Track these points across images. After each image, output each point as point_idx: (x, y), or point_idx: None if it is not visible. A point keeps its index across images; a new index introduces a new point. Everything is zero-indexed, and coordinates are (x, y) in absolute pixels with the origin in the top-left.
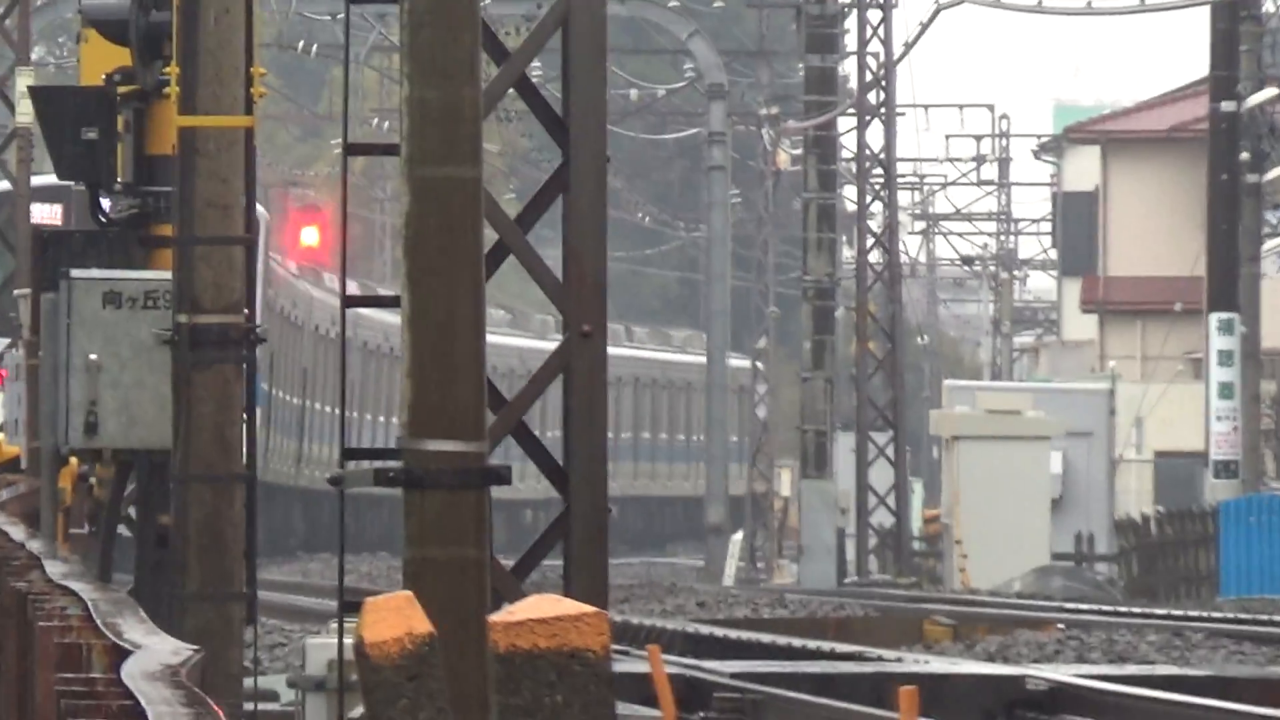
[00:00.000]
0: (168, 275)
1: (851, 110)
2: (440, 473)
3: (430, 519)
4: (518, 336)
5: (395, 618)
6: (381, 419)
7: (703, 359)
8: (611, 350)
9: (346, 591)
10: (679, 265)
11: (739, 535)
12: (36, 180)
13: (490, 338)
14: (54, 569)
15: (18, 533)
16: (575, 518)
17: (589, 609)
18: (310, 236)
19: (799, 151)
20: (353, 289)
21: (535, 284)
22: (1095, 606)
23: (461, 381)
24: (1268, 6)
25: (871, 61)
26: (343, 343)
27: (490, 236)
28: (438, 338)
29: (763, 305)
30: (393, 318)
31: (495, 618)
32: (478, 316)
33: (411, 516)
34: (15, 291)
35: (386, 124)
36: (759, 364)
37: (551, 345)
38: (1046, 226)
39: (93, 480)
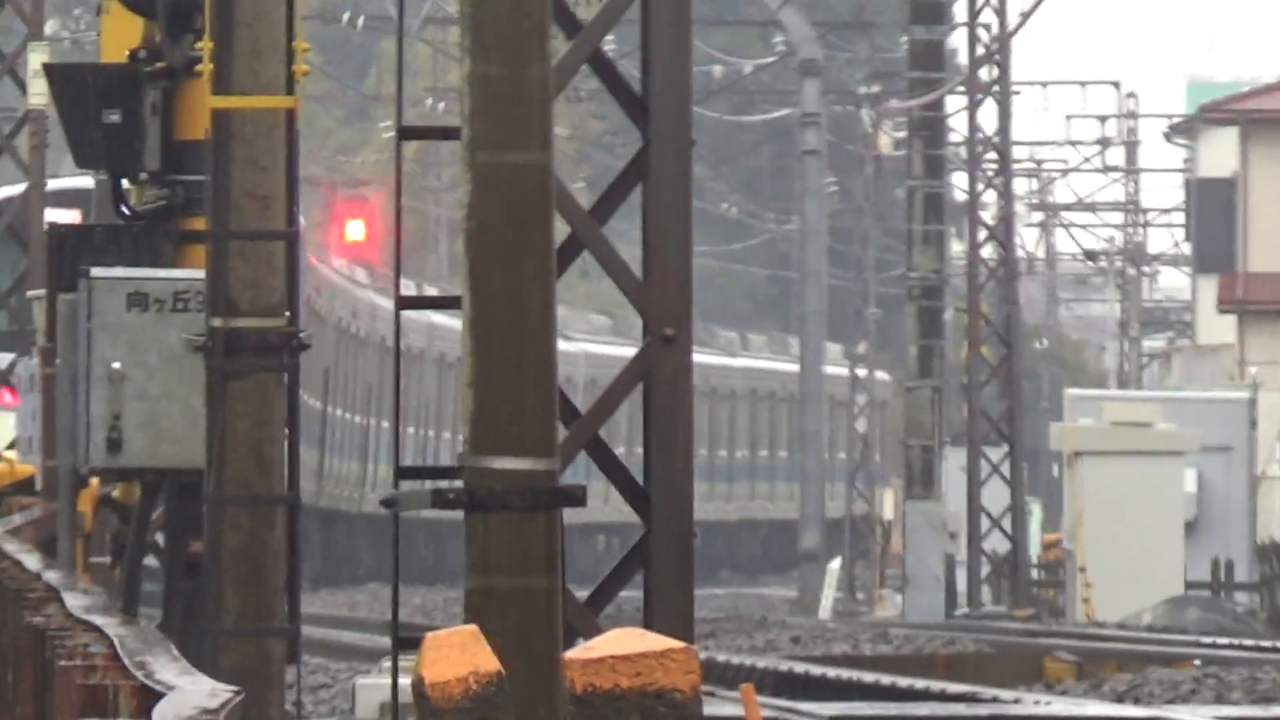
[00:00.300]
0: (200, 274)
1: (961, 88)
2: (506, 493)
3: (495, 545)
4: (622, 344)
5: (459, 655)
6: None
7: (795, 366)
8: (694, 357)
9: (402, 626)
10: (768, 262)
11: (836, 563)
12: (53, 184)
13: (588, 346)
14: (74, 602)
15: (33, 562)
16: (657, 543)
17: (676, 644)
18: (356, 230)
19: (903, 134)
20: (409, 291)
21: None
22: (1235, 641)
23: (530, 391)
24: None
25: (983, 34)
26: (396, 347)
27: (561, 230)
28: (503, 342)
29: (862, 306)
30: (577, 347)
31: (571, 654)
32: (547, 318)
33: (474, 542)
34: (29, 293)
35: (441, 105)
36: (858, 372)
37: None
38: (1179, 217)
39: (114, 495)
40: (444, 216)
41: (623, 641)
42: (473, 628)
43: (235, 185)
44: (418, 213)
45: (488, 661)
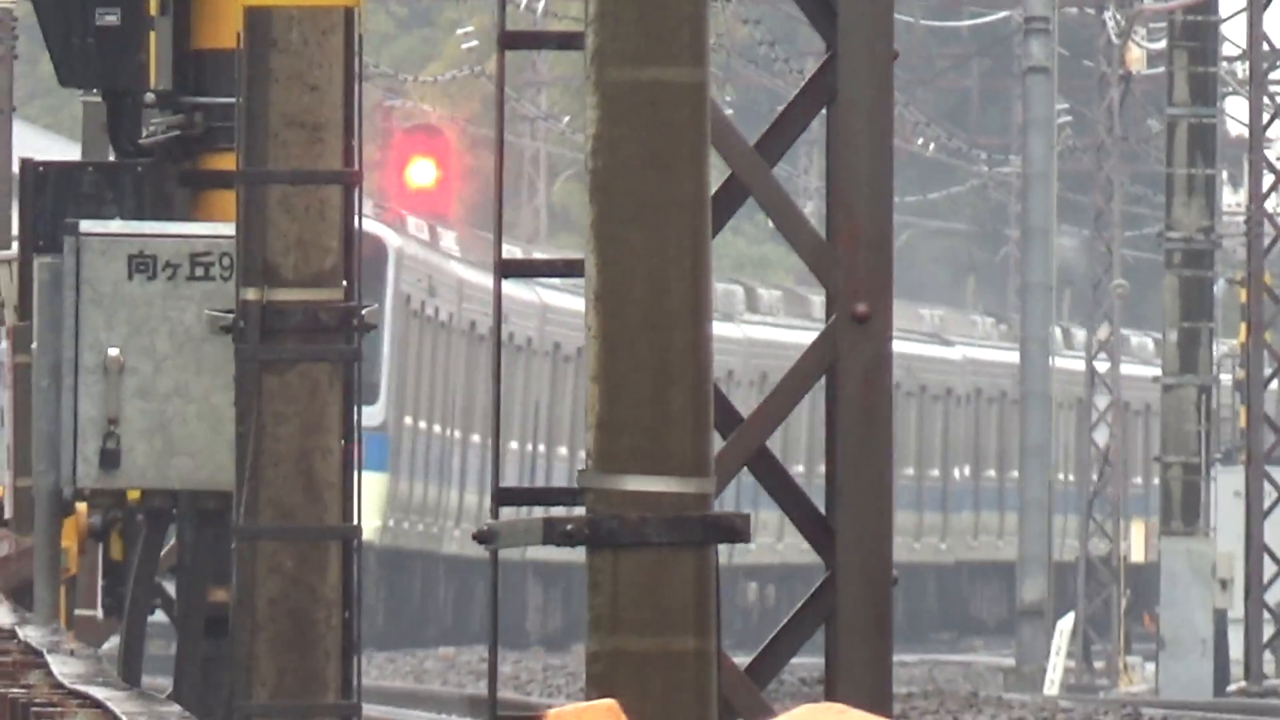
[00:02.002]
0: (227, 229)
1: None
2: (643, 524)
3: (628, 593)
4: (798, 327)
5: None
6: (582, 454)
7: (1013, 356)
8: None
9: (501, 704)
10: (977, 216)
11: (1068, 621)
12: None
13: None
14: (62, 667)
15: (3, 615)
16: (845, 591)
17: None
18: (423, 174)
19: (1160, 45)
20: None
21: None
22: None
23: (676, 389)
24: None
25: None
26: (497, 329)
27: (717, 172)
28: (639, 323)
29: (1104, 276)
30: (739, 330)
31: None
32: (700, 290)
33: (600, 590)
34: None
35: (541, 2)
36: (1098, 365)
37: None
38: None
39: (108, 526)
40: (543, 154)
41: None
42: (610, 703)
43: (275, 110)
44: (508, 149)
45: None
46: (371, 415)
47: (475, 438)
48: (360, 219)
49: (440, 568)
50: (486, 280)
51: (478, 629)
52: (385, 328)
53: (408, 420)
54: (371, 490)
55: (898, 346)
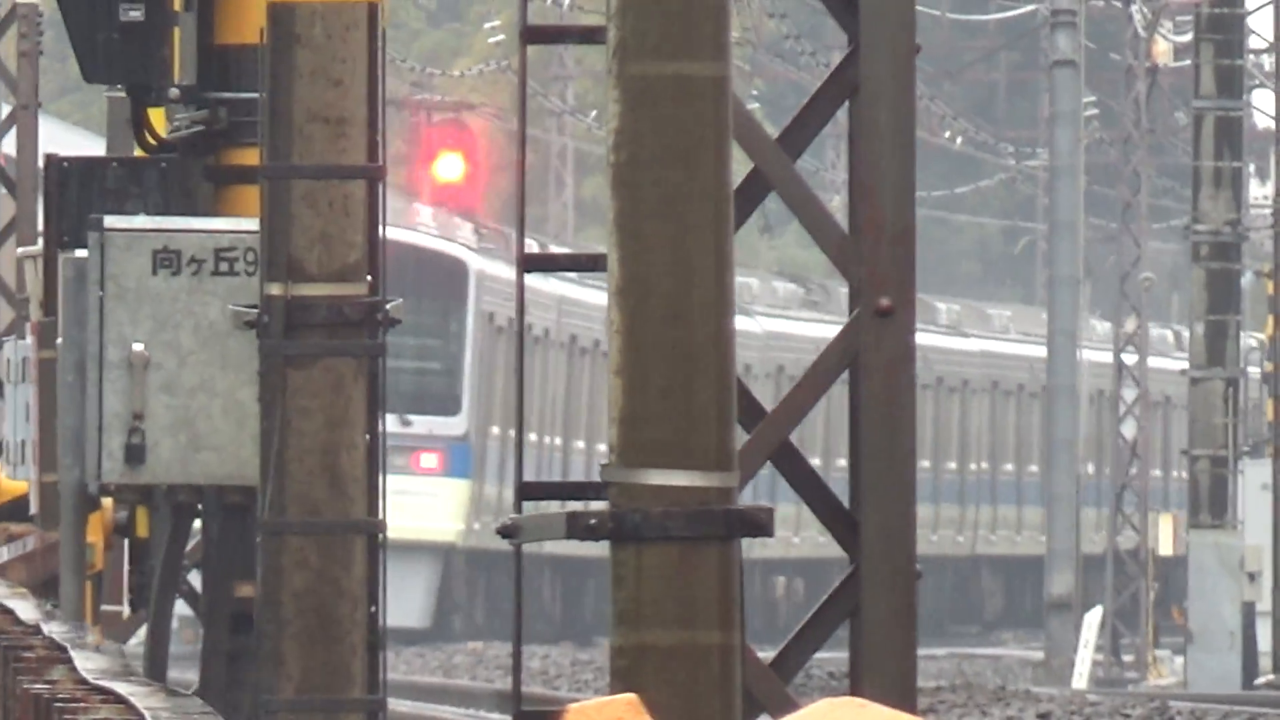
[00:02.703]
0: (251, 224)
1: None
2: (667, 518)
3: (652, 587)
4: (819, 321)
5: None
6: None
7: (1040, 350)
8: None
9: (525, 699)
10: (1004, 209)
11: (1096, 614)
12: None
13: (774, 323)
14: (87, 663)
15: (28, 610)
16: (869, 584)
17: (910, 719)
18: (451, 168)
19: (1187, 38)
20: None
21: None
22: None
23: (699, 382)
24: None
25: None
26: (520, 321)
27: (739, 166)
28: (663, 316)
29: (1131, 269)
30: (757, 324)
31: None
32: (723, 283)
33: (624, 584)
34: (19, 250)
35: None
36: (1125, 358)
37: None
38: None
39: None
40: (570, 149)
41: (837, 716)
42: (630, 697)
43: (299, 105)
44: (535, 144)
45: None
46: (454, 425)
47: (557, 440)
48: (384, 223)
49: (460, 560)
50: (556, 289)
51: (541, 625)
52: (467, 343)
53: (494, 429)
54: (456, 496)
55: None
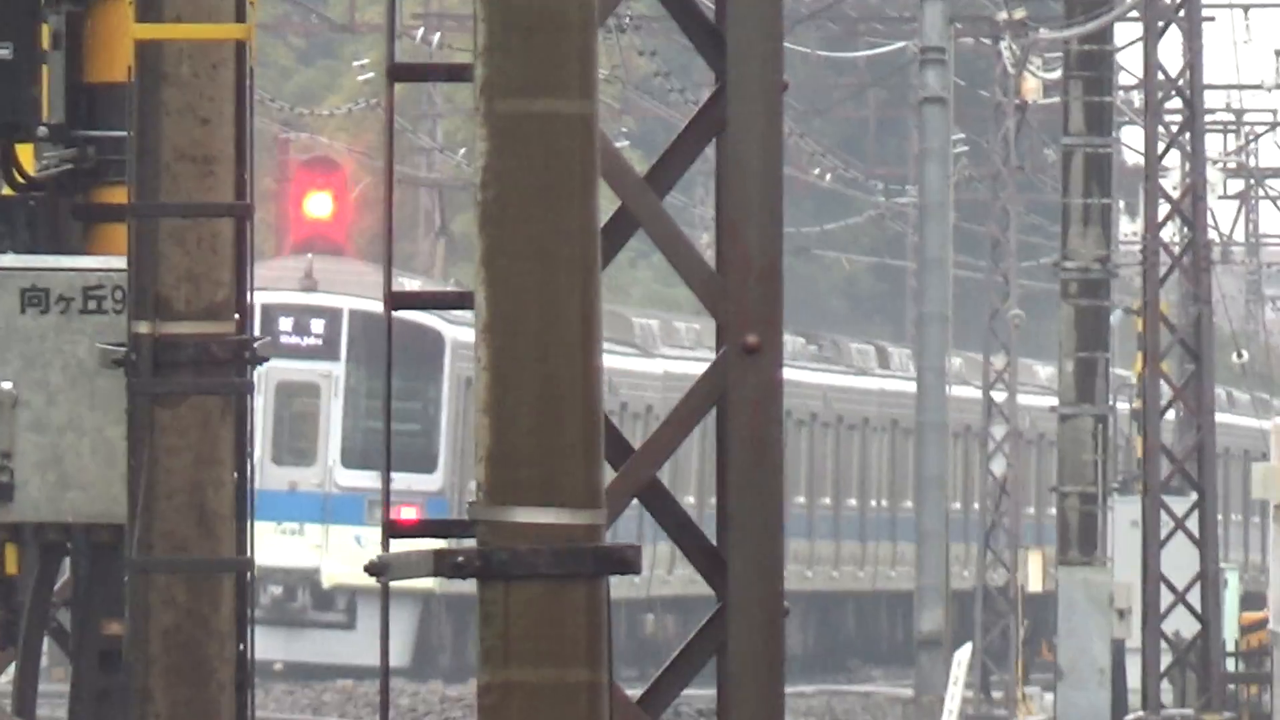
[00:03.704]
0: (119, 263)
1: (1135, 13)
2: (536, 555)
3: (519, 625)
4: (671, 358)
5: None
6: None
7: (910, 386)
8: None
9: None
10: (873, 246)
11: (966, 651)
12: None
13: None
14: None
15: None
16: (736, 622)
17: None
18: (320, 206)
19: (1056, 75)
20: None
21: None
22: None
23: (567, 420)
24: None
25: None
26: (388, 362)
27: (607, 203)
28: (530, 354)
29: (1000, 305)
30: (658, 365)
31: None
32: (589, 322)
33: (491, 621)
34: None
35: (436, 36)
36: (994, 394)
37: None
38: None
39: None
40: (439, 189)
41: None
42: None
43: (167, 143)
44: (404, 183)
45: None
46: (431, 482)
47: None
48: (252, 253)
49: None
50: None
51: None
52: (443, 407)
53: (471, 485)
54: (434, 547)
55: (789, 374)
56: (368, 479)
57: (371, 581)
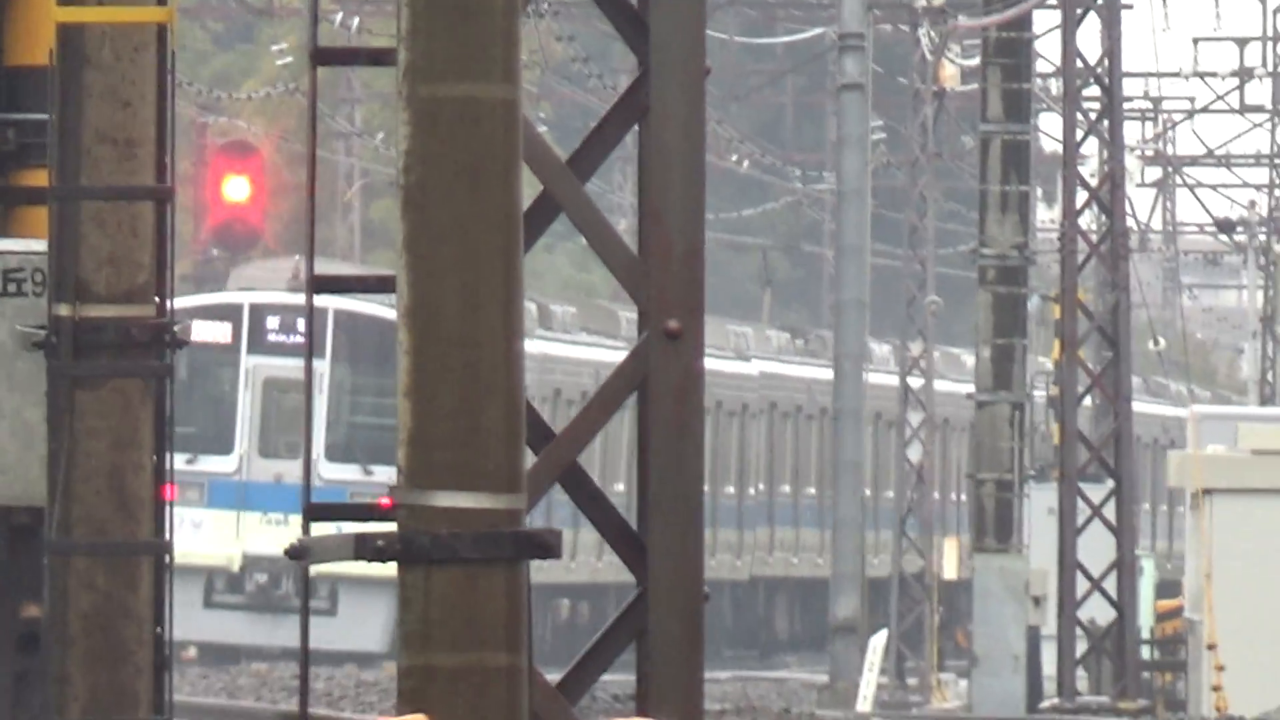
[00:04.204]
0: (40, 245)
1: (1054, 1)
2: (455, 540)
3: (439, 609)
4: (597, 345)
5: None
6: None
7: (826, 373)
8: None
9: None
10: (791, 233)
11: (881, 637)
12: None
13: (542, 345)
14: None
15: None
16: (657, 607)
17: None
18: (238, 189)
19: (974, 62)
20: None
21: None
22: None
23: (487, 405)
24: None
25: None
26: (309, 340)
27: (529, 188)
28: (451, 338)
29: (918, 293)
30: (789, 369)
31: None
32: (511, 306)
33: (411, 605)
34: None
35: (355, 20)
36: (911, 381)
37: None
38: None
39: None
40: (357, 170)
41: None
42: (420, 717)
43: (89, 126)
44: (323, 166)
45: None
46: None
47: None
48: (172, 236)
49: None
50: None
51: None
52: None
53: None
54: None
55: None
56: (351, 472)
57: (354, 570)
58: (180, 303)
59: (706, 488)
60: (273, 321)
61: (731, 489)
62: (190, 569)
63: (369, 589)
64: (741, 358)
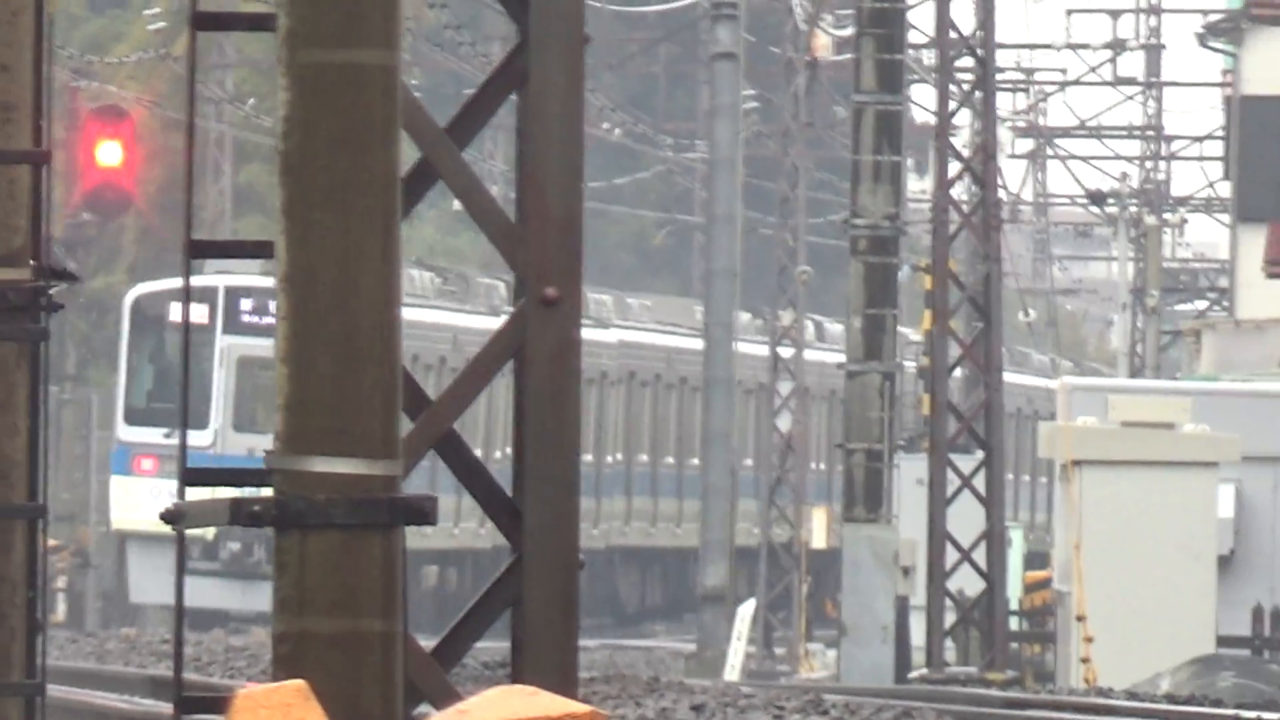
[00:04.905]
0: None
1: None
2: (330, 505)
3: (315, 574)
4: (455, 310)
5: None
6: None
7: (697, 343)
8: None
9: (186, 685)
10: (662, 201)
11: (749, 606)
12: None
13: (409, 311)
14: None
15: None
16: (531, 575)
17: (579, 707)
18: (111, 154)
19: (848, 32)
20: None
21: (480, 229)
22: None
23: (364, 371)
24: None
25: None
26: (185, 309)
27: (408, 155)
28: (329, 304)
29: (789, 262)
30: (648, 337)
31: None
32: (389, 273)
33: (287, 571)
34: None
35: None
36: (781, 351)
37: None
38: (1215, 148)
39: None
40: (228, 138)
41: (509, 704)
42: (299, 684)
43: None
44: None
45: None
46: None
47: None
48: (49, 200)
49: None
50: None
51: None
52: None
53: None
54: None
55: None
56: None
57: None
58: (162, 285)
59: (590, 457)
60: (246, 303)
61: (590, 457)
62: (167, 537)
63: None
64: (601, 326)
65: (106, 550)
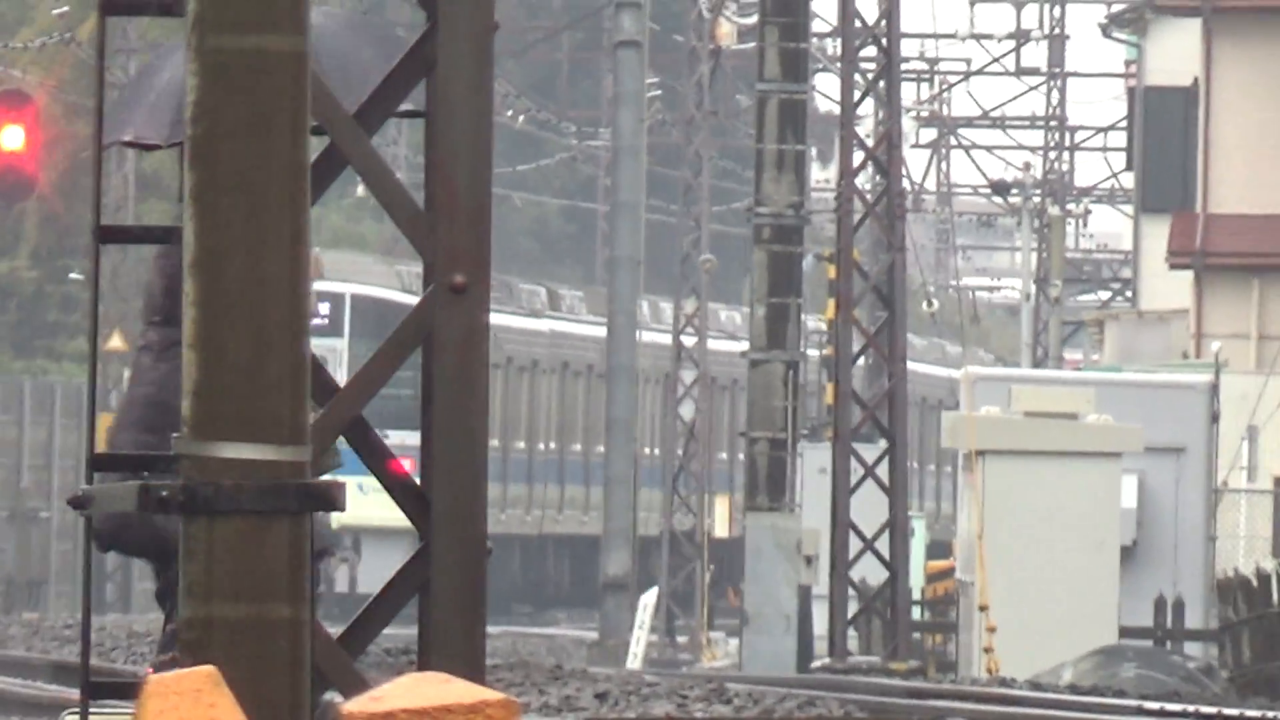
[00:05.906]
0: None
1: None
2: (238, 491)
3: (222, 560)
4: (496, 312)
5: (192, 707)
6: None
7: (600, 330)
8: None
9: (93, 670)
10: (565, 189)
11: (651, 595)
12: None
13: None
14: None
15: None
16: (439, 561)
17: (494, 695)
18: (13, 138)
19: (751, 21)
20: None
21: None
22: (1185, 708)
23: (272, 357)
24: None
25: None
26: (94, 285)
27: (317, 141)
28: (237, 289)
29: (692, 250)
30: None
31: (354, 708)
32: (297, 257)
33: (194, 556)
34: None
35: None
36: (684, 339)
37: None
38: (1119, 139)
39: None
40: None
41: (423, 691)
42: (210, 670)
43: None
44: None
45: (232, 714)
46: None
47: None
48: None
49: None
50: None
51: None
52: None
53: None
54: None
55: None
56: None
57: (371, 521)
58: None
59: (497, 443)
60: None
61: (496, 442)
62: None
63: (389, 538)
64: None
65: (6, 534)
